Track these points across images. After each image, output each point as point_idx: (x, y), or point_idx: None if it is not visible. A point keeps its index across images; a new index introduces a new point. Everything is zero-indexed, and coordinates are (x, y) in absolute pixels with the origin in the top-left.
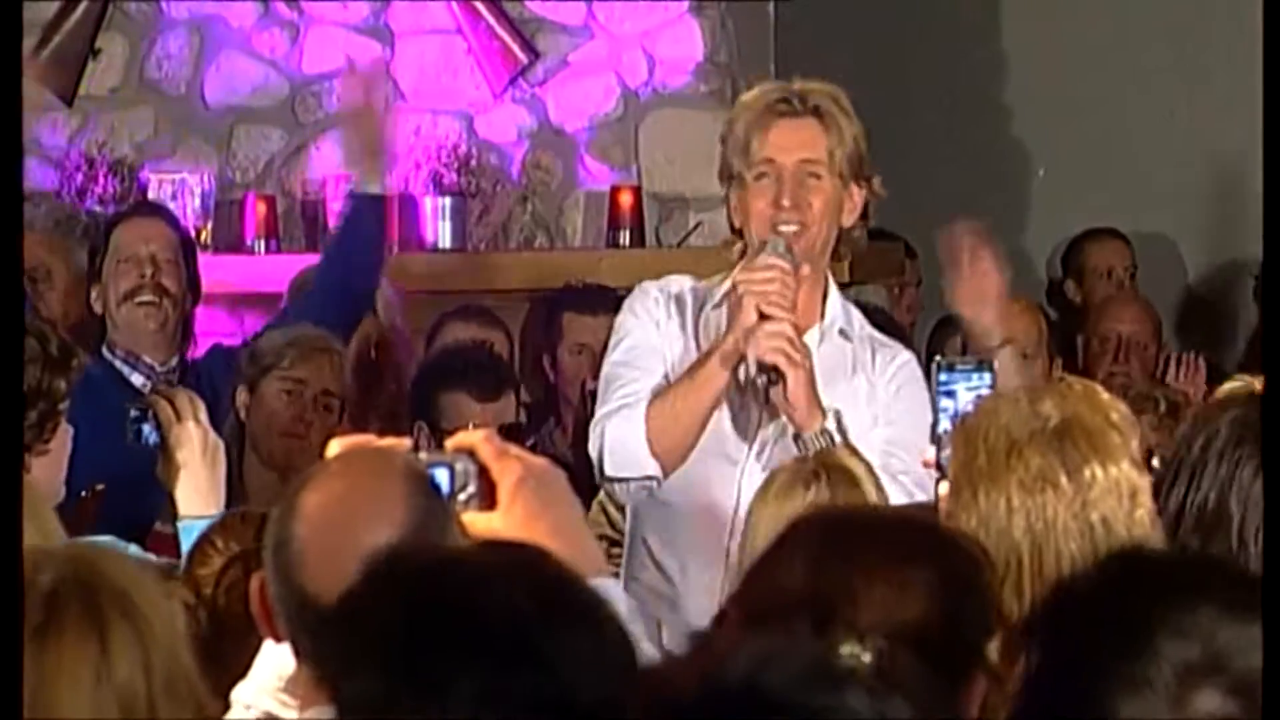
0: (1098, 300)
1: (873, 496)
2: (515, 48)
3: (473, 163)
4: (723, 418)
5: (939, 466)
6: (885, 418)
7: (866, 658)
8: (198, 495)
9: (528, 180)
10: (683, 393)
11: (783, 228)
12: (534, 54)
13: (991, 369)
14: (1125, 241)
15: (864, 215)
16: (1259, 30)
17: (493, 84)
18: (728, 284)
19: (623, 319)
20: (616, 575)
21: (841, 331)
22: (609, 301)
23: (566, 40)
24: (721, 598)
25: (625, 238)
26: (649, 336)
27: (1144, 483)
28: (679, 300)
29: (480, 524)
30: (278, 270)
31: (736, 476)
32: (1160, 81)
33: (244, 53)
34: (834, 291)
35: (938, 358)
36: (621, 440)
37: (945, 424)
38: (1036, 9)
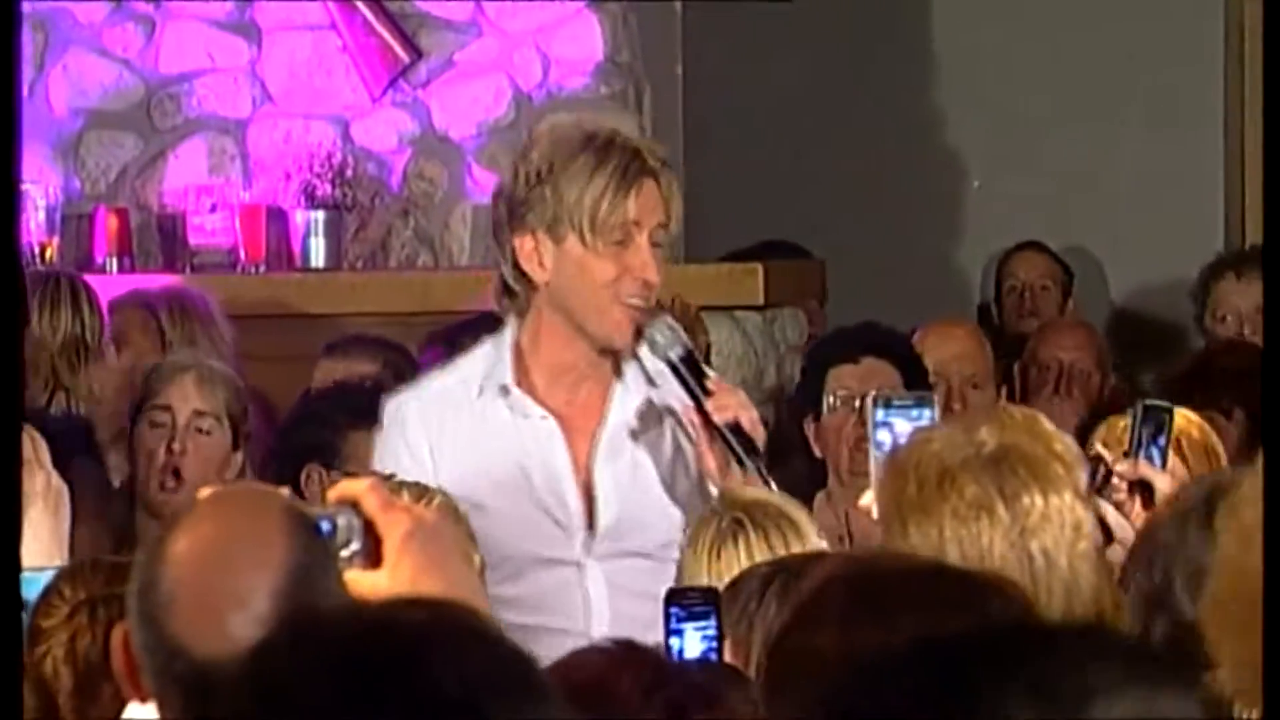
0: (1019, 316)
1: (812, 538)
2: (396, 46)
3: (348, 173)
4: (540, 520)
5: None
6: None
7: None
8: (38, 546)
9: (409, 192)
10: None
11: (632, 300)
12: (416, 53)
13: (933, 404)
14: (1052, 257)
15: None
16: (1210, 40)
17: (371, 86)
18: (504, 373)
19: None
20: None
21: (649, 381)
22: None
23: (452, 38)
24: None
25: None
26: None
27: (1088, 517)
28: (443, 402)
29: (365, 583)
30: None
31: (576, 577)
32: (1105, 89)
33: (94, 51)
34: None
35: (873, 392)
36: None
37: (881, 463)
38: (970, 10)
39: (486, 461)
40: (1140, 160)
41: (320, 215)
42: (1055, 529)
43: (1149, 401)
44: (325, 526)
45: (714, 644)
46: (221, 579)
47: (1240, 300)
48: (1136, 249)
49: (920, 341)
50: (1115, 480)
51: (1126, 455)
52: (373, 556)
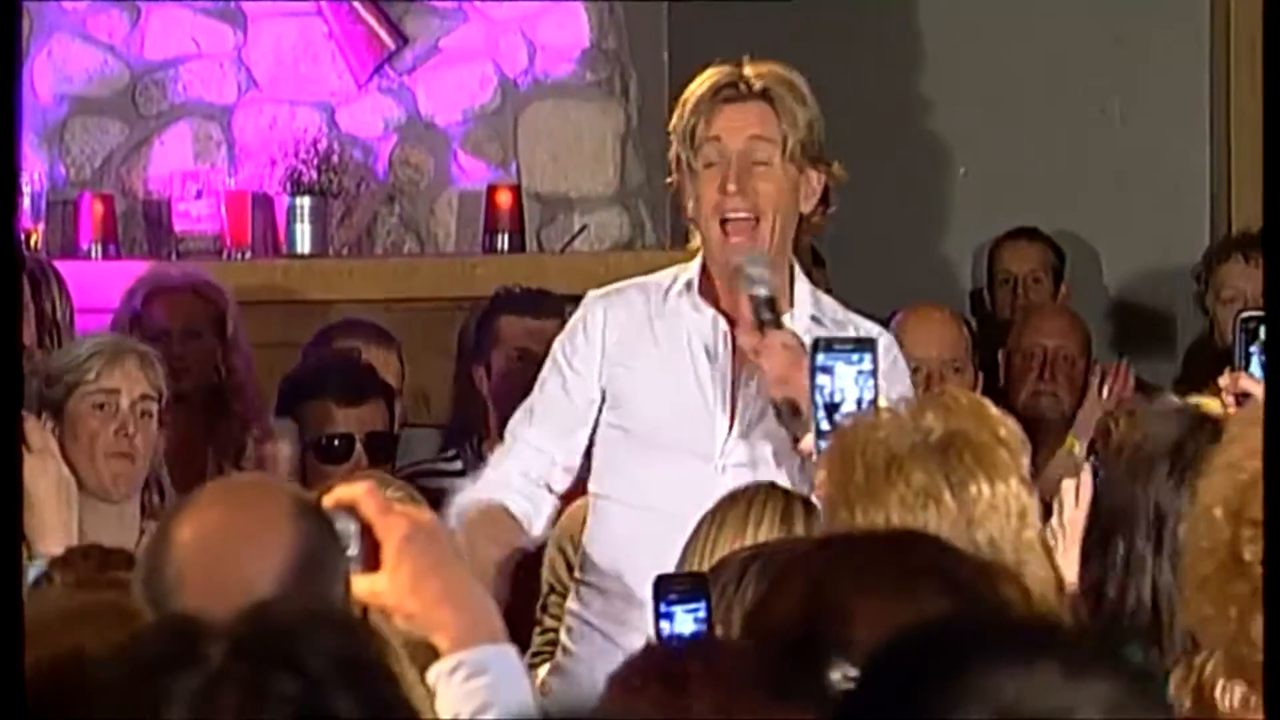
0: (1013, 309)
1: None
2: (381, 32)
3: (334, 159)
4: (695, 412)
5: (817, 453)
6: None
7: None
8: (49, 534)
9: (395, 178)
10: None
11: (731, 215)
12: (402, 39)
13: (873, 348)
14: (1048, 244)
15: (824, 201)
16: (1199, 22)
17: (356, 72)
18: (692, 270)
19: (555, 351)
20: (546, 632)
21: (813, 318)
22: (550, 304)
23: (438, 24)
24: None
25: (503, 242)
26: (560, 389)
27: (1033, 503)
28: (630, 301)
29: (364, 586)
30: (117, 278)
31: (714, 476)
32: (1092, 74)
33: (79, 36)
34: (800, 277)
35: (816, 336)
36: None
37: (821, 407)
38: None
39: (659, 348)
40: (1126, 146)
41: (305, 201)
42: (1001, 517)
43: (1245, 314)
44: None
45: (704, 625)
46: (229, 562)
47: (1246, 283)
48: (1123, 235)
49: (899, 326)
50: (1223, 394)
51: (1232, 369)
52: (371, 561)
